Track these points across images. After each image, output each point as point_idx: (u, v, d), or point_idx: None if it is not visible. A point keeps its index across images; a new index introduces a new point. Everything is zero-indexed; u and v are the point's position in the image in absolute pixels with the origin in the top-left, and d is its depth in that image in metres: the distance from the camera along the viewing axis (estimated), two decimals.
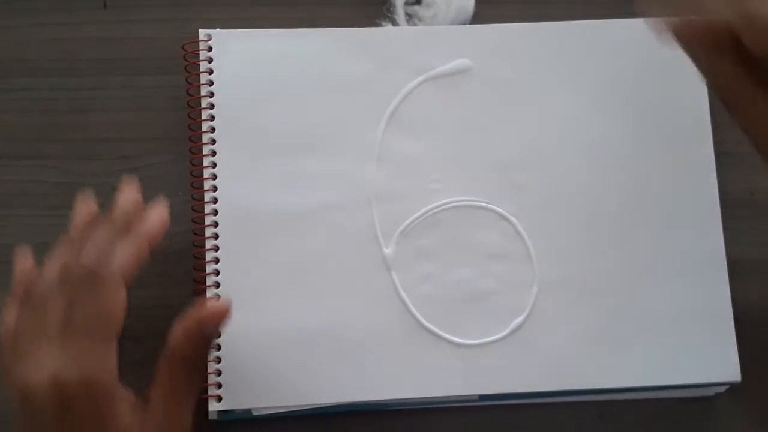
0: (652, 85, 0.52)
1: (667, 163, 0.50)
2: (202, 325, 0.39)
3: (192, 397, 0.39)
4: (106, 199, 0.50)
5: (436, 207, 0.49)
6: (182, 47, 0.50)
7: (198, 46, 0.50)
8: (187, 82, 0.50)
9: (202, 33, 0.51)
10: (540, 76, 0.51)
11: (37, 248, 0.49)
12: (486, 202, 0.50)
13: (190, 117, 0.50)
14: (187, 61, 0.50)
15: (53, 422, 0.36)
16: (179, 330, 0.38)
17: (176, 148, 0.50)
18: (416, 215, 0.49)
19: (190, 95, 0.50)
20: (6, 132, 0.51)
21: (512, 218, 0.49)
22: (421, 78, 0.51)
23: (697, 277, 0.49)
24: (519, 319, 0.48)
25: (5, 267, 0.48)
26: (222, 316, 0.39)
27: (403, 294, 0.48)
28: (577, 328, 0.48)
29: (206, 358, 0.43)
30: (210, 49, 0.50)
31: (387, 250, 0.49)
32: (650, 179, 0.50)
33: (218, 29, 0.51)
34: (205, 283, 0.48)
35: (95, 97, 0.51)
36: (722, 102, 0.40)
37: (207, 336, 0.39)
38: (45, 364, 0.36)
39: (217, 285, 0.48)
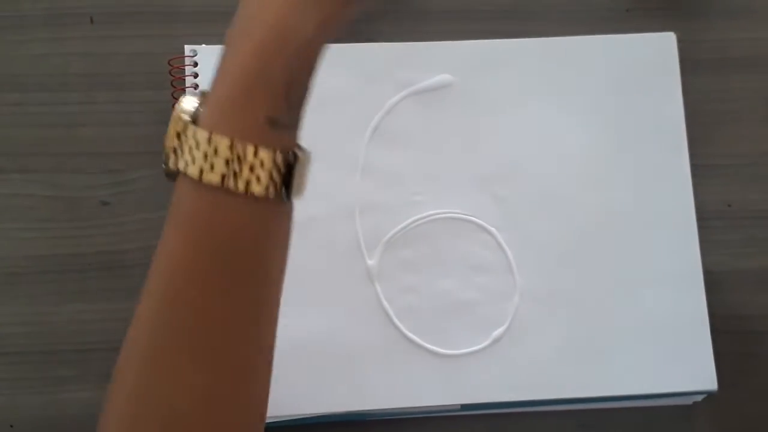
0: (629, 100, 0.53)
1: (644, 175, 0.52)
2: None
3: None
4: (93, 213, 0.51)
5: (419, 219, 0.50)
6: (168, 62, 0.51)
7: (184, 61, 0.51)
8: (173, 96, 0.51)
9: (188, 49, 0.51)
10: (520, 91, 0.52)
11: (25, 261, 0.50)
12: (468, 215, 0.51)
13: None
14: (173, 76, 0.51)
15: None
16: None
17: (162, 162, 0.51)
18: (399, 227, 0.50)
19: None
20: None
21: (493, 230, 0.50)
22: (404, 93, 0.52)
23: (675, 288, 0.50)
24: (500, 330, 0.49)
25: None
26: None
27: (386, 305, 0.49)
28: (556, 339, 0.49)
29: None
30: (195, 64, 0.51)
31: (370, 262, 0.49)
32: (628, 192, 0.51)
33: (203, 45, 0.51)
34: None
35: (83, 111, 0.52)
36: None
37: None
38: None
39: None
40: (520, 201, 0.51)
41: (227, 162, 0.30)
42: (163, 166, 0.32)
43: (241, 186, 0.31)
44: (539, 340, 0.49)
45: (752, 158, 0.53)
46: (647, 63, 0.53)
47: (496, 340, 0.49)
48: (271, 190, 0.31)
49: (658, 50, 0.53)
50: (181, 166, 0.31)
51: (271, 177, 0.31)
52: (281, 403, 0.47)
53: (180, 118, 0.32)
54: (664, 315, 0.50)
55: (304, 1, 0.31)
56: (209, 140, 0.30)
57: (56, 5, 0.53)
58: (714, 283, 0.51)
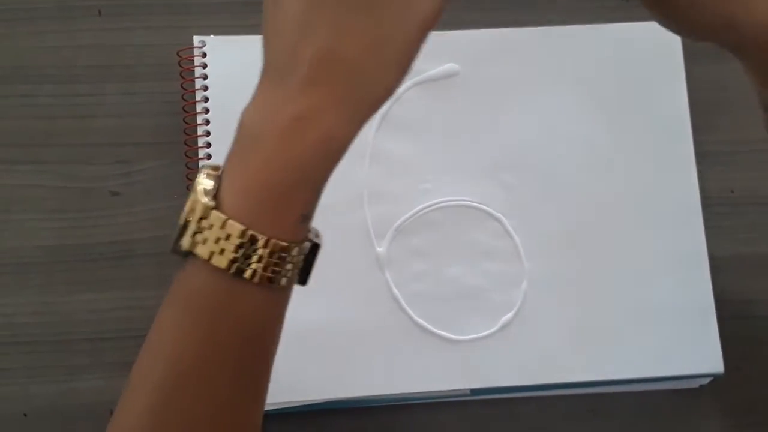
0: (634, 88, 0.53)
1: (649, 162, 0.52)
2: None
3: None
4: (103, 204, 0.51)
5: (427, 207, 0.51)
6: (177, 54, 0.51)
7: (192, 52, 0.52)
8: (182, 87, 0.51)
9: (197, 39, 0.52)
10: (526, 80, 0.53)
11: (36, 251, 0.50)
12: (476, 202, 0.51)
13: (185, 122, 0.51)
14: (181, 67, 0.51)
15: None
16: None
17: (172, 152, 0.51)
18: (408, 215, 0.51)
19: (185, 101, 0.51)
20: (5, 138, 0.52)
21: (501, 217, 0.51)
22: (410, 82, 0.52)
23: (680, 273, 0.51)
24: (509, 315, 0.49)
25: (7, 269, 0.50)
26: None
27: (396, 292, 0.49)
28: (565, 324, 0.50)
29: None
30: (204, 55, 0.52)
31: (380, 249, 0.50)
32: (633, 178, 0.52)
33: (212, 36, 0.52)
34: None
35: (92, 103, 0.52)
36: None
37: None
38: None
39: None
40: (527, 188, 0.51)
41: (257, 256, 0.31)
42: (175, 243, 0.32)
43: (261, 278, 0.31)
44: (547, 326, 0.49)
45: (755, 145, 0.54)
46: (651, 51, 0.53)
47: (505, 326, 0.49)
48: (292, 280, 0.33)
49: (661, 39, 0.53)
50: (202, 252, 0.31)
51: (292, 269, 0.32)
52: (291, 390, 0.48)
53: (202, 201, 0.31)
54: (670, 299, 0.50)
55: (347, 110, 0.31)
56: (242, 234, 0.30)
57: None
58: (718, 269, 0.51)
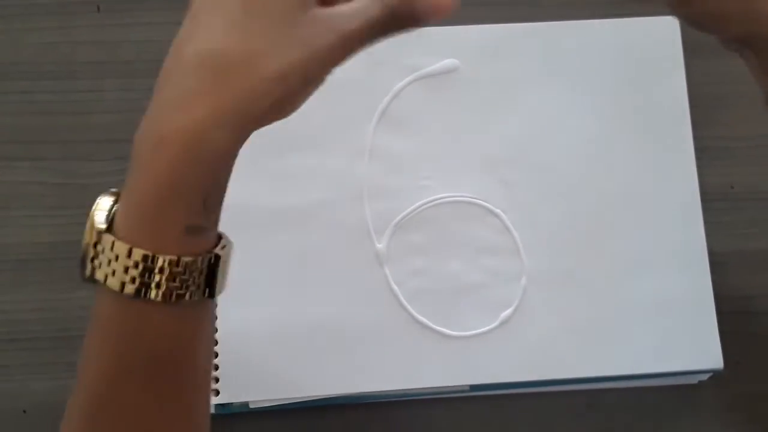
0: (633, 84, 0.53)
1: (648, 158, 0.52)
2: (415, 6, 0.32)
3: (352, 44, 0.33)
4: None
5: (427, 203, 0.51)
6: None
7: None
8: None
9: None
10: (525, 75, 0.53)
11: (35, 248, 0.50)
12: (475, 198, 0.51)
13: None
14: None
15: None
16: None
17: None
18: (407, 211, 0.51)
19: None
20: (3, 134, 0.52)
21: (500, 213, 0.51)
22: (410, 77, 0.52)
23: (680, 269, 0.51)
24: (508, 311, 0.49)
25: (6, 266, 0.50)
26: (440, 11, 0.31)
27: (396, 288, 0.49)
28: (564, 319, 0.50)
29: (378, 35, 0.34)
30: None
31: (379, 245, 0.50)
32: (633, 174, 0.52)
33: None
34: None
35: (91, 99, 0.52)
36: None
37: (412, 18, 0.32)
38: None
39: None
40: (527, 184, 0.51)
41: (148, 273, 0.30)
42: (81, 269, 0.32)
43: (162, 296, 0.30)
44: (547, 321, 0.49)
45: (755, 140, 0.54)
46: (650, 46, 0.53)
47: (505, 322, 0.49)
48: (196, 295, 0.31)
49: (661, 33, 0.53)
50: (99, 276, 0.31)
51: (193, 283, 0.31)
52: (290, 386, 0.48)
53: (95, 227, 0.31)
54: (669, 295, 0.50)
55: (220, 118, 0.30)
56: (129, 254, 0.30)
57: None
58: (718, 265, 0.51)
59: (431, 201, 0.51)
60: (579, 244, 0.51)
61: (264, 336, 0.48)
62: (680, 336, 0.50)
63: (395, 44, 0.52)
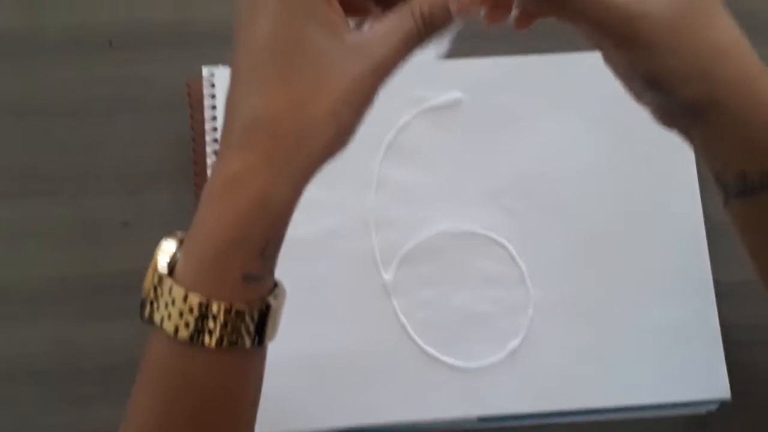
0: (636, 114, 0.53)
1: (652, 187, 0.52)
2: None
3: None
4: (114, 234, 0.52)
5: (433, 234, 0.51)
6: (186, 84, 0.52)
7: (201, 83, 0.52)
8: (191, 118, 0.52)
9: (205, 70, 0.53)
10: (529, 107, 0.53)
11: (47, 282, 0.51)
12: (481, 229, 0.51)
13: (194, 152, 0.52)
14: (191, 97, 0.52)
15: None
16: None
17: (182, 182, 0.52)
18: (414, 242, 0.51)
19: (194, 131, 0.52)
20: (17, 169, 0.53)
21: (506, 243, 0.51)
22: (416, 110, 0.53)
23: (686, 298, 0.51)
24: (515, 342, 0.50)
25: (19, 300, 0.50)
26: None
27: (403, 319, 0.50)
28: (571, 350, 0.50)
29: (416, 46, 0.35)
30: (213, 85, 0.52)
31: (387, 276, 0.50)
32: (637, 204, 0.52)
33: (221, 66, 0.53)
34: None
35: (103, 134, 0.53)
36: None
37: (447, 18, 0.34)
38: None
39: None
40: (532, 214, 0.52)
41: (203, 319, 0.31)
42: (141, 310, 0.33)
43: (214, 342, 0.31)
44: (554, 352, 0.50)
45: None
46: None
47: (512, 352, 0.50)
48: (247, 342, 0.32)
49: None
50: (156, 318, 0.32)
51: (245, 330, 0.32)
52: (299, 417, 0.48)
53: (157, 270, 0.32)
54: (675, 325, 0.50)
55: (281, 169, 0.32)
56: (185, 299, 0.31)
57: (76, 30, 0.54)
58: (723, 295, 0.51)
59: (437, 232, 0.51)
60: (585, 274, 0.51)
61: (271, 367, 0.48)
62: (687, 366, 0.50)
63: (401, 77, 0.53)
